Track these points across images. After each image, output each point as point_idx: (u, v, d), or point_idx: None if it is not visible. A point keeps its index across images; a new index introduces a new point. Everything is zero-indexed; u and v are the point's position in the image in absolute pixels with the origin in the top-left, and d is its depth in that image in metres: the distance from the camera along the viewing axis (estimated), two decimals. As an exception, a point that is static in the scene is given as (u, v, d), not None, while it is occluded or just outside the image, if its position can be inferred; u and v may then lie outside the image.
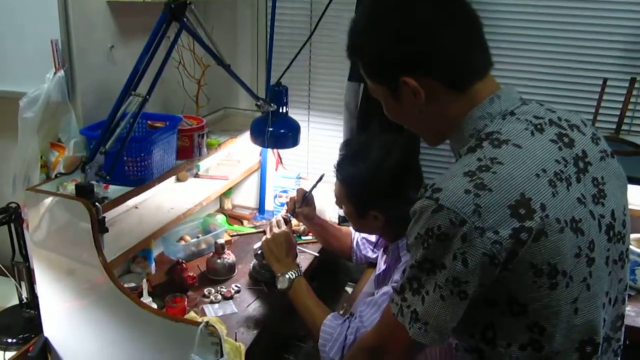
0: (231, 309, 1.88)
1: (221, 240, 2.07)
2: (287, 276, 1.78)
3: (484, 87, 1.09)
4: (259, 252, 1.95)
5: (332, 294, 2.43)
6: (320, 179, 2.03)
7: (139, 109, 1.55)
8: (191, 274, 1.94)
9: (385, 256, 1.84)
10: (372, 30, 1.08)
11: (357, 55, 1.13)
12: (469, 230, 0.94)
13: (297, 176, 2.55)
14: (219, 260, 2.05)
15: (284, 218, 1.96)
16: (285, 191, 2.54)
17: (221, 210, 2.63)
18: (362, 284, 2.20)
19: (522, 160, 0.99)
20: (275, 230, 1.89)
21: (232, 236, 2.40)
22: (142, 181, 1.69)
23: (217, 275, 2.06)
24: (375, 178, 1.59)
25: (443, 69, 1.05)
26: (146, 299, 1.69)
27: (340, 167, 1.67)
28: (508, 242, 0.93)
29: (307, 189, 2.04)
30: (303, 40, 2.10)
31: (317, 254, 2.26)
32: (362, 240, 2.09)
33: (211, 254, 2.09)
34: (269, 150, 2.55)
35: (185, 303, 1.79)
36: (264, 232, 2.44)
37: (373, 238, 2.05)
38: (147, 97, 1.56)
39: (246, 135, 2.15)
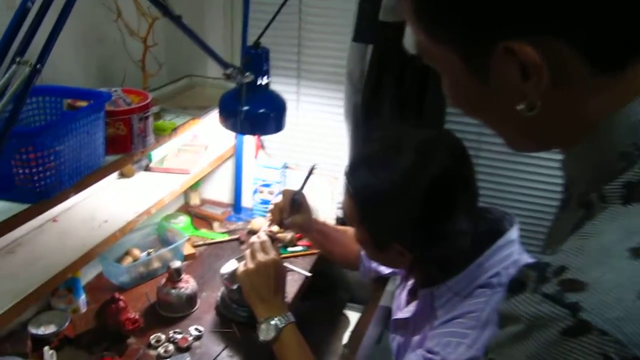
0: (186, 370, 1.33)
1: (176, 264, 1.50)
2: (273, 323, 1.24)
3: None
4: (235, 286, 1.38)
5: (328, 318, 1.89)
6: (311, 172, 1.46)
7: (24, 86, 0.96)
8: (132, 316, 1.38)
9: (408, 296, 1.29)
10: None
11: None
12: None
13: (284, 166, 1.97)
14: (173, 291, 1.49)
15: (269, 236, 1.39)
16: (267, 185, 1.96)
17: (186, 207, 2.05)
18: (368, 316, 1.66)
19: None
20: (260, 256, 1.33)
21: (196, 246, 1.83)
22: (43, 195, 1.10)
23: (170, 310, 1.50)
24: (405, 197, 1.01)
25: (597, 26, 0.49)
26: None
27: (352, 176, 1.09)
28: None
29: (296, 188, 1.47)
30: (291, -16, 1.49)
31: (309, 274, 1.71)
32: None
33: (163, 280, 1.52)
34: (247, 132, 1.96)
35: (118, 366, 1.24)
36: (240, 240, 1.89)
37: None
38: (39, 66, 0.96)
39: (216, 114, 1.58)
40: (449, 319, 1.06)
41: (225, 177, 2.08)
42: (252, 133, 1.77)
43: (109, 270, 1.62)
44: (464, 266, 1.06)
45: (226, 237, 1.89)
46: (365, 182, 1.06)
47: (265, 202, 1.98)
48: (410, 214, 1.02)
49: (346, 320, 1.89)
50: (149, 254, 1.68)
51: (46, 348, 1.11)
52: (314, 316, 1.81)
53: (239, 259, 1.53)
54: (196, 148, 1.88)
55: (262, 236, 1.39)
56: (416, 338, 1.18)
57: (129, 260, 1.65)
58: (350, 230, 1.64)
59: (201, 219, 2.00)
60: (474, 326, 1.01)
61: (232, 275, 1.46)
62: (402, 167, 1.01)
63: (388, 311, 2.00)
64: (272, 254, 1.34)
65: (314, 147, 2.02)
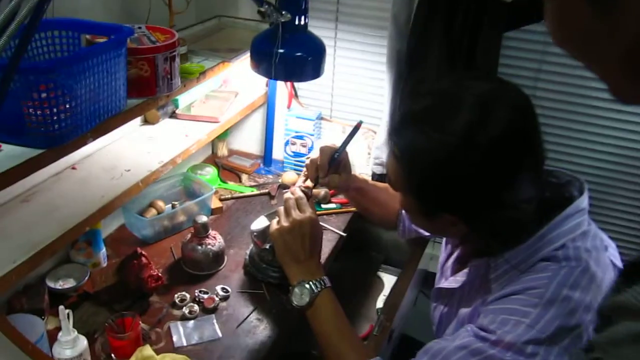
0: (212, 332, 1.23)
1: (202, 219, 1.39)
2: (307, 287, 1.14)
3: None
4: (267, 246, 1.27)
5: (362, 280, 1.78)
6: (357, 129, 1.33)
7: (34, 14, 0.83)
8: (154, 272, 1.28)
9: (455, 265, 1.17)
10: None
11: None
12: None
13: (318, 117, 1.84)
14: (199, 247, 1.39)
15: (304, 192, 1.27)
16: (300, 137, 1.83)
17: (213, 158, 1.94)
18: (405, 280, 1.55)
19: None
20: (295, 214, 1.21)
21: (223, 200, 1.72)
22: (58, 140, 0.99)
23: (196, 268, 1.41)
24: (460, 162, 0.87)
25: None
26: (66, 336, 1.04)
27: (398, 135, 0.95)
28: None
29: (335, 144, 1.34)
30: None
31: (343, 234, 1.59)
32: None
33: (189, 235, 1.42)
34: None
35: (140, 327, 1.15)
36: (270, 195, 1.78)
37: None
38: (50, -10, 0.84)
39: (248, 57, 1.45)
40: (505, 295, 0.94)
41: (255, 127, 1.96)
42: (287, 79, 1.62)
43: (132, 223, 1.53)
44: (525, 237, 0.94)
45: (255, 191, 1.78)
46: (414, 143, 0.92)
47: (298, 155, 1.86)
48: (466, 181, 0.88)
49: (380, 283, 1.78)
50: (173, 206, 1.58)
51: (61, 307, 1.01)
52: (347, 278, 1.71)
53: (270, 216, 1.43)
54: (225, 95, 1.75)
55: (297, 192, 1.27)
56: (464, 311, 1.06)
57: (152, 212, 1.56)
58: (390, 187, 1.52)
59: (229, 170, 1.89)
60: (536, 304, 0.89)
61: (263, 233, 1.36)
62: (457, 125, 0.87)
63: (426, 274, 1.90)
64: (308, 212, 1.22)
65: (350, 98, 1.87)
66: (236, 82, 1.83)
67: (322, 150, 1.32)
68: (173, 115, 1.61)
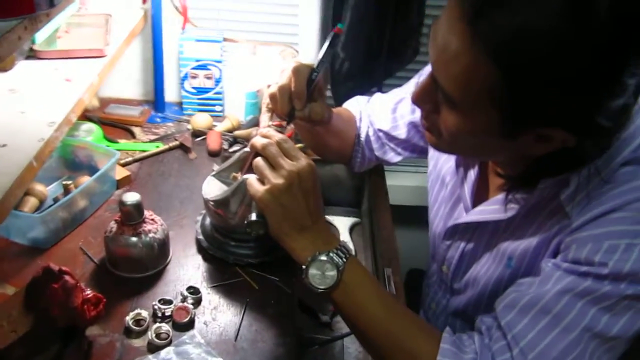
0: (208, 358, 0.84)
1: (132, 197, 0.93)
2: (326, 260, 0.79)
3: None
4: (254, 217, 0.85)
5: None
6: (336, 37, 0.95)
7: None
8: (89, 294, 0.82)
9: (474, 190, 0.92)
10: None
11: None
12: None
13: (223, 39, 1.40)
14: (135, 239, 0.94)
15: (279, 131, 0.88)
16: (203, 66, 1.39)
17: (85, 113, 1.41)
18: (388, 221, 1.26)
19: None
20: (287, 164, 0.81)
21: (125, 165, 1.25)
22: None
23: (136, 269, 0.96)
24: (578, 45, 0.60)
25: None
26: None
27: (483, 20, 0.62)
28: None
29: (306, 62, 0.95)
30: None
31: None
32: (379, 134, 1.14)
33: (113, 225, 0.96)
34: (164, -8, 1.34)
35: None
36: (184, 147, 1.34)
37: (402, 131, 1.11)
38: None
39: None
40: (600, 214, 0.72)
41: (130, 63, 1.46)
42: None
43: (11, 225, 1.00)
44: (613, 140, 0.73)
45: (162, 146, 1.32)
46: (516, 27, 0.60)
47: (202, 91, 1.42)
48: (586, 73, 0.61)
49: (333, 229, 1.47)
50: (66, 188, 1.07)
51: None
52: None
53: (220, 175, 1.04)
54: (93, 20, 1.23)
55: (275, 134, 0.87)
56: (514, 244, 0.84)
57: (32, 203, 1.04)
58: (344, 112, 1.19)
59: (112, 126, 1.39)
60: None
61: (225, 201, 0.96)
62: None
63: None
64: (303, 158, 0.84)
65: (254, 13, 1.45)
66: (99, 3, 1.31)
67: (296, 70, 0.92)
68: (31, 54, 1.07)
